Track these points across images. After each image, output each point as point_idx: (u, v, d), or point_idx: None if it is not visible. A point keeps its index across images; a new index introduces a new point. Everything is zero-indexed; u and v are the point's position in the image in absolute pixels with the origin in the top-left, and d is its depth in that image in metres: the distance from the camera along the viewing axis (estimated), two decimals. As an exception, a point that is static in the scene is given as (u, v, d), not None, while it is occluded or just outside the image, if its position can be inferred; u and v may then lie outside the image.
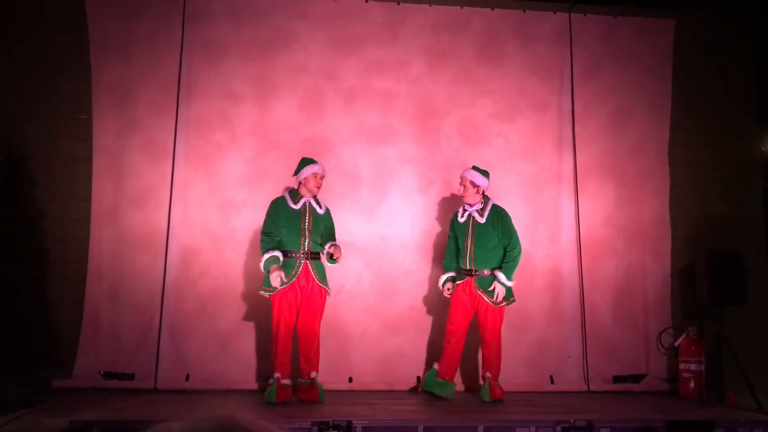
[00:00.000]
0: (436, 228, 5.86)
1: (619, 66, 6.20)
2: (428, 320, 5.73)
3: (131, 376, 5.32)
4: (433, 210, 5.89)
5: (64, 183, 5.66)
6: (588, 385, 5.66)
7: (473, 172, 5.14)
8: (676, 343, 5.64)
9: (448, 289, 5.13)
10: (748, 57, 6.45)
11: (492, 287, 4.96)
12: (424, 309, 5.75)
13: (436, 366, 5.00)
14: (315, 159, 5.05)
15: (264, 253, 4.78)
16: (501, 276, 4.97)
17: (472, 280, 4.99)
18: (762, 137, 6.46)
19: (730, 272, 5.65)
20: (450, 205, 5.85)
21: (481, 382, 5.06)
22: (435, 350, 5.62)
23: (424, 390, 4.95)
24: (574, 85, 6.10)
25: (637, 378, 5.78)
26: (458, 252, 5.15)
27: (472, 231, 5.03)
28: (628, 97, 6.19)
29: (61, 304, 5.48)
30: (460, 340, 5.02)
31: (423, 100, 6.00)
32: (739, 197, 6.27)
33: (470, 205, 5.11)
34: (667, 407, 4.84)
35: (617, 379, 5.75)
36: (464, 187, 5.11)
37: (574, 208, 6.00)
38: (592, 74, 6.16)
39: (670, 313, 5.96)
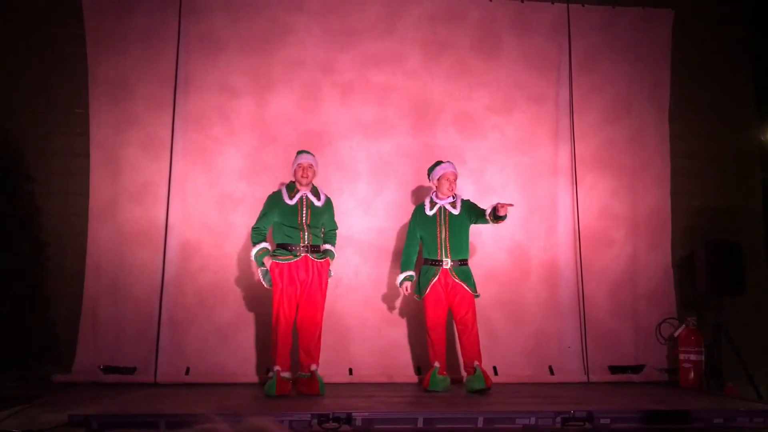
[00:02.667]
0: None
1: (617, 57, 6.19)
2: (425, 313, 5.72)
3: (131, 370, 5.33)
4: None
5: (62, 178, 5.65)
6: (587, 376, 5.66)
7: (453, 166, 5.18)
8: (676, 334, 5.65)
9: (407, 289, 5.11)
10: (746, 47, 6.44)
11: (504, 214, 4.86)
12: (422, 301, 5.73)
13: (437, 365, 4.99)
14: (311, 151, 5.05)
15: (254, 245, 4.84)
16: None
17: (447, 271, 5.01)
18: (761, 128, 6.46)
19: (729, 263, 5.65)
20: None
21: (465, 372, 5.03)
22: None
23: (429, 390, 4.92)
24: (572, 77, 6.08)
25: (636, 368, 5.78)
26: (423, 245, 5.14)
27: (446, 223, 5.06)
28: (626, 89, 6.17)
29: (59, 299, 5.48)
30: (442, 332, 5.08)
31: (419, 94, 5.98)
32: (738, 188, 6.27)
33: (441, 198, 5.14)
34: (667, 397, 4.84)
35: (616, 369, 5.76)
36: (451, 182, 5.11)
37: (570, 200, 6.00)
38: (589, 65, 6.15)
39: (674, 303, 5.96)
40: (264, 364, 5.36)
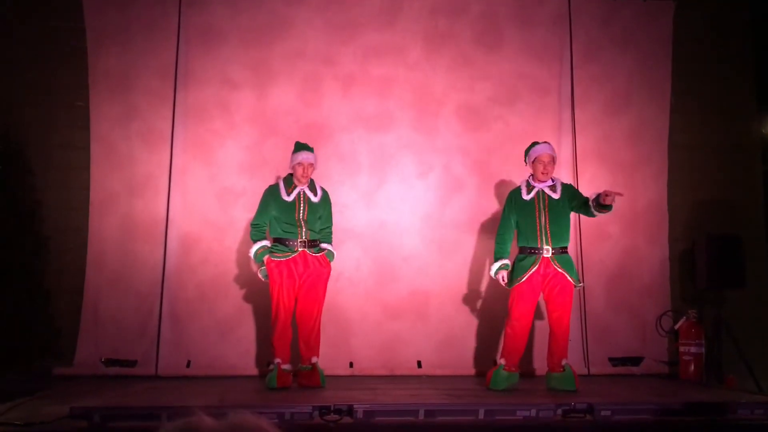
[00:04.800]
0: (436, 213, 5.84)
1: (619, 49, 6.16)
2: (428, 306, 5.72)
3: (132, 363, 5.34)
4: (432, 195, 5.87)
5: (63, 172, 5.65)
6: (588, 369, 5.66)
7: (552, 147, 4.84)
8: (676, 326, 5.65)
9: (503, 278, 4.71)
10: (748, 40, 6.41)
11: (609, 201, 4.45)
12: (424, 294, 5.74)
13: (502, 362, 4.69)
14: (311, 144, 4.96)
15: (254, 242, 4.82)
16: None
17: (548, 260, 4.63)
18: (762, 120, 6.44)
19: (730, 256, 5.64)
20: (450, 189, 5.84)
21: (550, 368, 4.72)
22: (437, 335, 5.63)
23: (491, 389, 4.60)
24: (573, 69, 6.06)
25: (636, 361, 5.79)
26: (520, 232, 4.79)
27: (545, 208, 4.72)
28: (627, 81, 6.15)
29: (60, 293, 5.49)
30: (527, 324, 4.71)
31: (421, 86, 5.96)
32: (739, 181, 6.25)
33: (539, 182, 4.78)
34: (668, 390, 4.85)
35: (617, 362, 5.76)
36: (546, 164, 4.74)
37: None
38: (591, 57, 6.12)
39: (669, 296, 5.97)
40: (264, 357, 5.35)
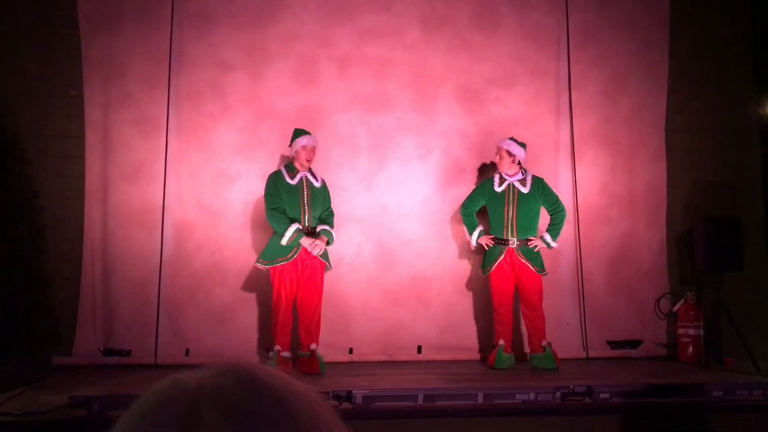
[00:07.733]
0: (437, 196, 5.81)
1: (616, 31, 6.09)
2: (429, 291, 5.71)
3: (131, 352, 5.33)
4: (432, 178, 5.84)
5: (58, 160, 5.60)
6: (587, 352, 5.67)
7: (509, 141, 5.16)
8: (675, 309, 5.65)
9: (487, 243, 5.10)
10: (745, 21, 6.35)
11: (535, 247, 5.06)
12: (425, 279, 5.72)
13: (502, 343, 5.03)
14: (309, 128, 4.96)
15: (285, 228, 4.70)
16: (548, 237, 5.11)
17: (513, 250, 5.02)
18: (760, 102, 6.40)
19: (728, 238, 5.62)
20: (450, 172, 5.82)
21: (530, 349, 5.16)
22: (437, 320, 5.63)
23: (495, 368, 4.94)
24: (570, 52, 6.01)
25: (635, 343, 5.80)
26: (489, 222, 5.18)
27: (514, 200, 5.05)
28: (624, 63, 6.10)
29: (58, 282, 5.46)
30: (509, 309, 5.11)
31: (419, 67, 5.91)
32: (737, 163, 6.22)
33: (509, 175, 5.12)
34: (666, 372, 4.86)
35: (615, 345, 5.78)
36: (500, 156, 5.14)
37: (571, 177, 5.96)
38: (588, 40, 6.06)
39: (668, 279, 5.96)
40: (263, 344, 5.36)
